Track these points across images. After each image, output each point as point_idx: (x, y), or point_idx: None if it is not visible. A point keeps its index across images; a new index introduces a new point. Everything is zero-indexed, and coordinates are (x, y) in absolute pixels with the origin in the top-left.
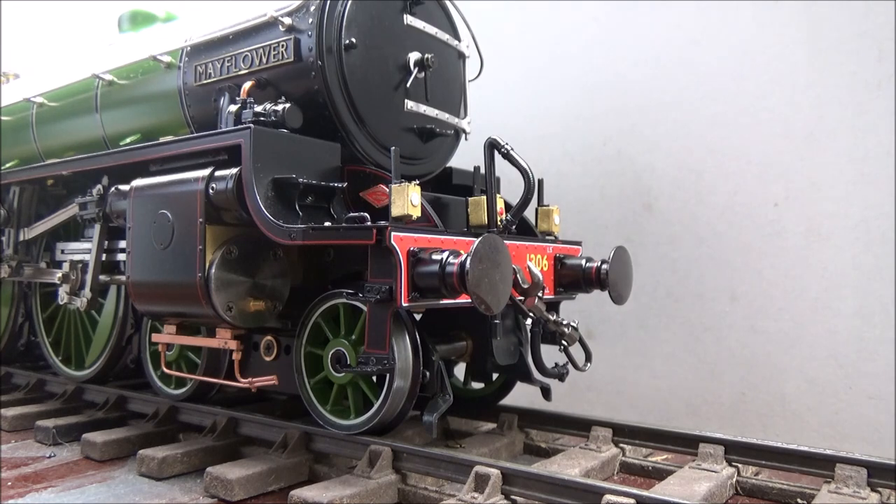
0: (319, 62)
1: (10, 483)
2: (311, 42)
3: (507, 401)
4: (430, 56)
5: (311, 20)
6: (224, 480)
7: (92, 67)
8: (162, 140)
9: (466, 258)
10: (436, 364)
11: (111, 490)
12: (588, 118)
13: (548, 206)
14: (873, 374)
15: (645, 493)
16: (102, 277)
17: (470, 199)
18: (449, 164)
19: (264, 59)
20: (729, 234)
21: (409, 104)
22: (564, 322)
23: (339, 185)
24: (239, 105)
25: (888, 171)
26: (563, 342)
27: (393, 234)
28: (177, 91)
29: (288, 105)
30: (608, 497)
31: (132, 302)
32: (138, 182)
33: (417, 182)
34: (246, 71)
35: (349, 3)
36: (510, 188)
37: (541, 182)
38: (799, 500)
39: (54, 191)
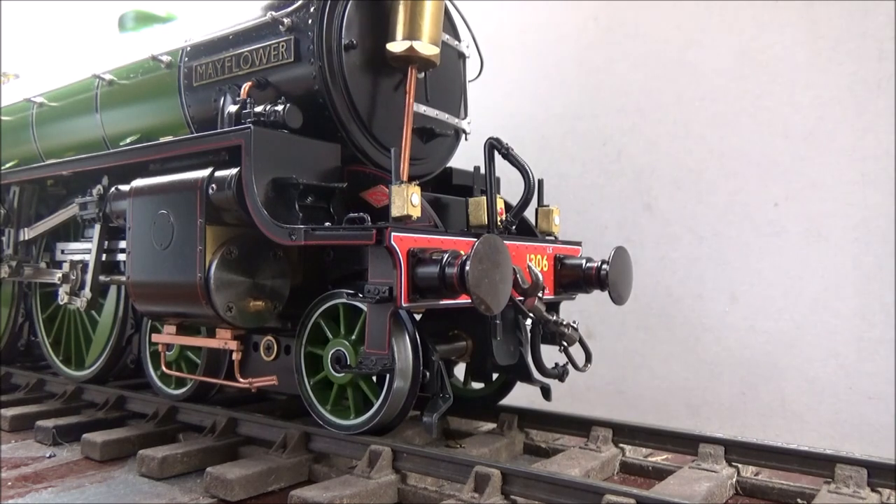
0: (319, 62)
1: (10, 483)
2: (311, 42)
3: (507, 401)
4: None
5: (310, 20)
6: (224, 480)
7: (92, 67)
8: (162, 140)
9: (466, 259)
10: (436, 364)
11: (111, 490)
12: (588, 118)
13: (548, 206)
14: (873, 374)
15: (645, 493)
16: (102, 277)
17: (470, 199)
18: (449, 165)
19: (264, 60)
20: (729, 234)
21: None
22: (564, 322)
23: (339, 186)
24: (239, 105)
25: (888, 171)
26: (563, 342)
27: (393, 234)
28: (177, 91)
29: (288, 105)
30: (608, 497)
31: (132, 302)
32: (138, 182)
33: (417, 182)
34: (246, 71)
35: (349, 3)
36: (510, 188)
37: (541, 182)
38: (799, 500)
39: (54, 191)
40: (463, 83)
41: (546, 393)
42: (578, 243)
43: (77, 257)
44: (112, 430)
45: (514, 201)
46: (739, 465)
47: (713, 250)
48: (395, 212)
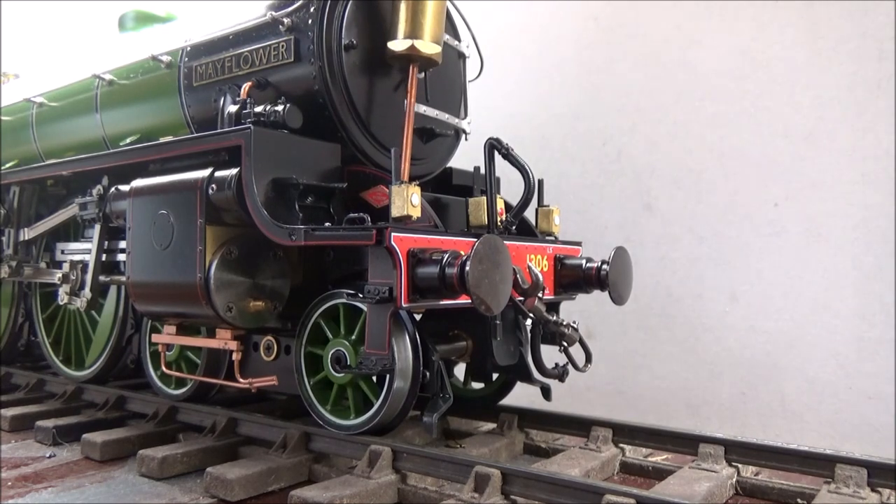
0: (319, 62)
1: (10, 483)
2: (311, 42)
3: (507, 401)
4: None
5: (310, 20)
6: (224, 480)
7: (92, 67)
8: (162, 140)
9: (466, 259)
10: (436, 364)
11: (111, 490)
12: (588, 118)
13: (548, 206)
14: (873, 374)
15: (645, 493)
16: (102, 277)
17: (470, 199)
18: (449, 165)
19: (264, 60)
20: (729, 234)
21: None
22: (564, 322)
23: (339, 186)
24: (239, 105)
25: (888, 171)
26: (563, 342)
27: (393, 234)
28: (177, 91)
29: (288, 105)
30: (608, 497)
31: (132, 302)
32: (138, 182)
33: (417, 182)
34: (246, 71)
35: (349, 3)
36: (510, 188)
37: (541, 182)
38: (799, 500)
39: (54, 191)
40: (463, 83)
41: (546, 393)
42: (578, 243)
43: (77, 257)
44: (112, 430)
45: (514, 201)
46: (739, 465)
47: (713, 250)
48: (395, 212)
